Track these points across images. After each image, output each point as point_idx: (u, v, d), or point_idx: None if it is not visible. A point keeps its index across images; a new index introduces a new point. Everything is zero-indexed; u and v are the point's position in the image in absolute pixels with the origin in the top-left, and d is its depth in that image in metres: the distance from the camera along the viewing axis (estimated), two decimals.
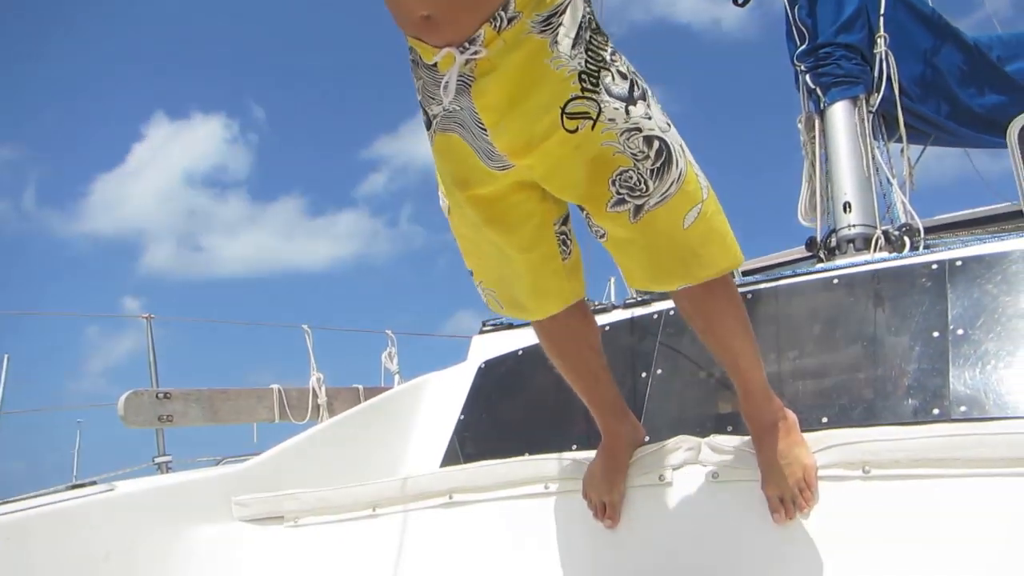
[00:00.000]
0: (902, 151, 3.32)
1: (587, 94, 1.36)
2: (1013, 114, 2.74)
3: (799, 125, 3.18)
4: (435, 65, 1.38)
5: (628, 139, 1.38)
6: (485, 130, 1.39)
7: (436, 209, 1.64)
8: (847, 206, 3.00)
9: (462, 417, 2.97)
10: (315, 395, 4.51)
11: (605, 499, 1.82)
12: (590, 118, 1.36)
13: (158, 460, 3.92)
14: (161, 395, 3.80)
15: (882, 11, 3.09)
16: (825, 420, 2.03)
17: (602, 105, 1.36)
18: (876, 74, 3.07)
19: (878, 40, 3.08)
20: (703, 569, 1.67)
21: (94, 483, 2.38)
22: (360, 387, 4.91)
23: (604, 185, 1.41)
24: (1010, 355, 1.94)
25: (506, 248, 1.55)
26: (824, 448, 1.62)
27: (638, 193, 1.40)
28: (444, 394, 3.17)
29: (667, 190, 1.41)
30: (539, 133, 1.37)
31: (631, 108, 1.39)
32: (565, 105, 1.35)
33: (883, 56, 3.06)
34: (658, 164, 1.40)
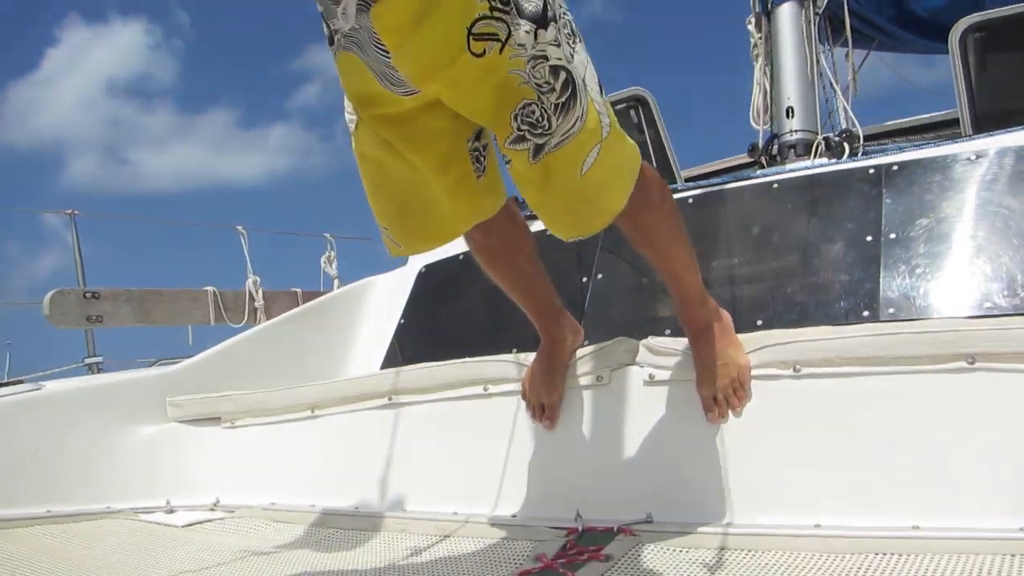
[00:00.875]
0: (846, 55, 3.31)
1: (496, 13, 1.24)
2: (955, 19, 2.74)
3: (749, 27, 3.12)
4: None
5: (534, 68, 1.28)
6: (387, 54, 1.27)
7: None
8: (790, 111, 2.99)
9: (402, 321, 2.96)
10: (252, 298, 4.45)
11: (544, 401, 1.83)
12: (498, 40, 1.24)
13: (88, 361, 3.85)
14: (89, 295, 3.68)
15: None
16: (760, 323, 2.07)
17: (512, 27, 1.25)
18: None
19: None
20: (639, 467, 1.71)
21: (20, 382, 2.33)
22: (298, 291, 4.86)
23: (506, 118, 1.30)
24: (938, 258, 1.99)
25: (416, 168, 1.44)
26: (757, 348, 1.65)
27: (540, 131, 1.30)
28: (384, 298, 3.15)
29: (570, 128, 1.32)
30: (444, 57, 1.26)
31: (540, 32, 1.27)
32: (472, 25, 1.23)
33: None
34: (563, 98, 1.30)
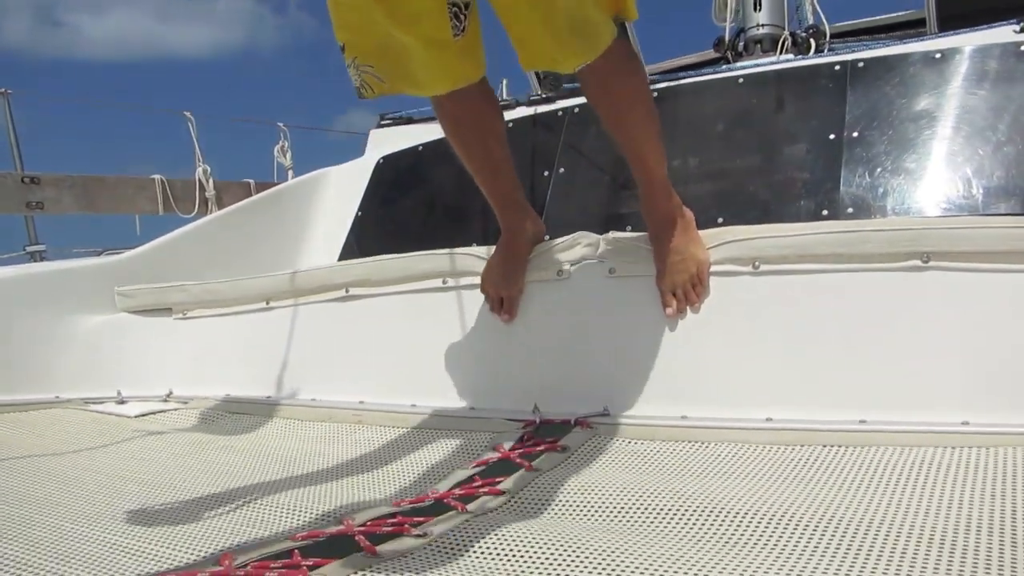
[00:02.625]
0: None
1: None
2: None
3: None
4: None
5: None
6: None
7: None
8: (757, 4, 2.94)
9: (359, 213, 2.90)
10: (202, 188, 4.32)
11: (503, 294, 1.82)
12: None
13: (30, 249, 3.71)
14: (28, 179, 3.52)
15: None
16: (721, 220, 2.06)
17: None
18: None
19: None
20: (597, 361, 1.72)
21: None
22: (251, 181, 4.73)
23: None
24: (899, 158, 1.99)
25: (391, 20, 1.40)
26: (718, 244, 1.65)
27: None
28: (340, 189, 3.07)
29: None
30: None
31: None
32: None
33: None
34: None
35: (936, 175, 1.94)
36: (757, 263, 1.60)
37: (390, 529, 1.07)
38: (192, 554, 1.04)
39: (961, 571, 0.82)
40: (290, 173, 5.15)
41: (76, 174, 3.73)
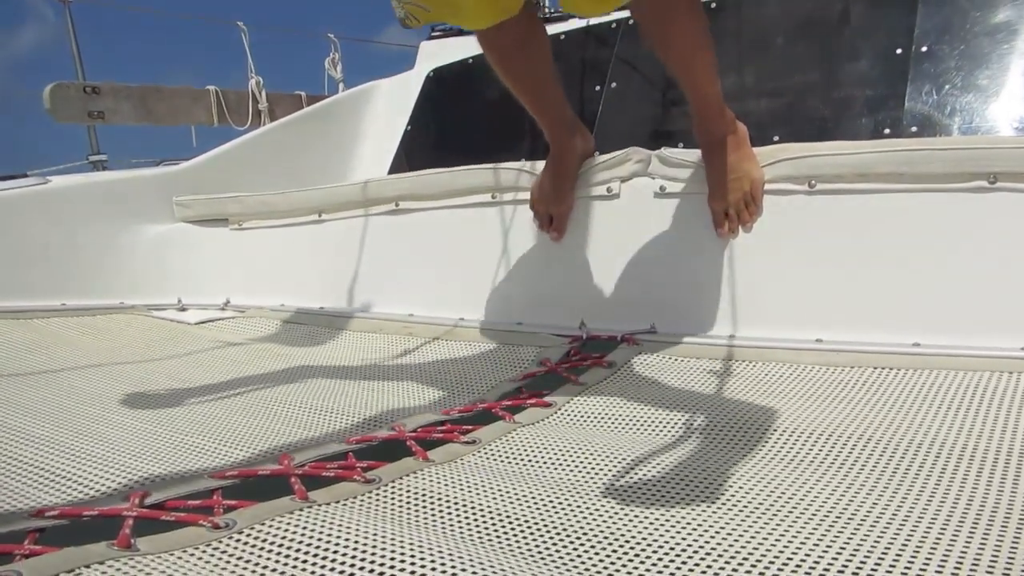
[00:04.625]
0: None
1: None
2: None
3: None
4: None
5: None
6: None
7: None
8: None
9: (409, 127, 2.90)
10: (255, 100, 4.34)
11: (553, 211, 1.82)
12: None
13: (92, 159, 3.80)
14: (89, 89, 3.58)
15: None
16: (776, 138, 2.02)
17: None
18: None
19: None
20: (645, 279, 1.72)
21: (25, 176, 2.31)
22: (302, 94, 4.73)
23: None
24: (970, 75, 1.91)
25: None
26: (772, 162, 1.61)
27: None
28: (390, 102, 3.07)
29: None
30: None
31: None
32: None
33: None
34: None
35: (1009, 93, 1.86)
36: (813, 182, 1.57)
37: (440, 435, 1.11)
38: (252, 453, 1.09)
39: (1013, 495, 0.82)
40: (340, 85, 5.13)
41: (133, 84, 3.78)
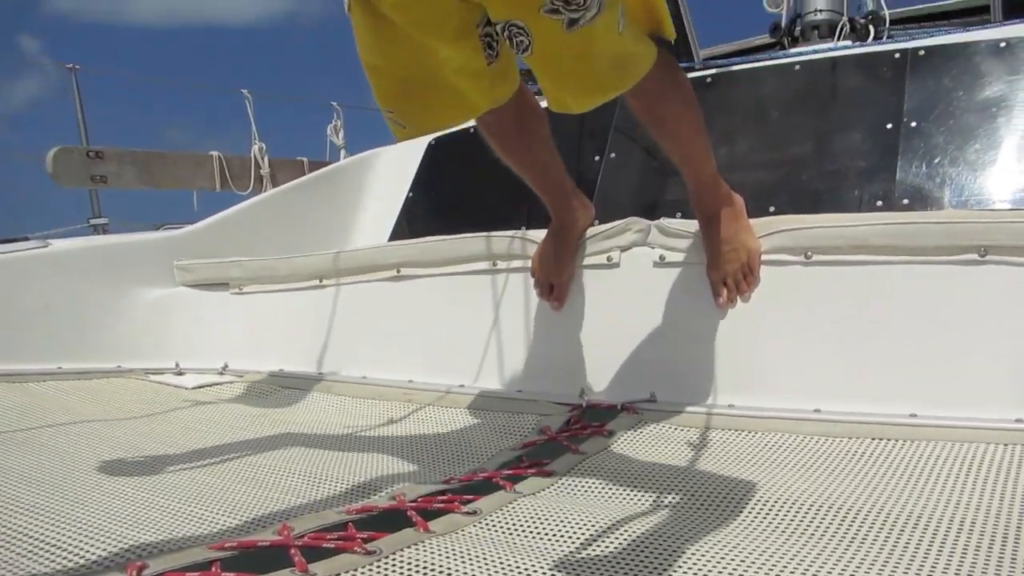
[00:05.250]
0: None
1: None
2: None
3: None
4: None
5: None
6: None
7: None
8: None
9: (411, 194, 2.94)
10: (258, 165, 4.40)
11: (553, 280, 1.84)
12: None
13: (94, 222, 3.84)
14: (93, 154, 3.63)
15: None
16: (772, 208, 2.04)
17: None
18: None
19: None
20: (645, 347, 1.73)
21: (27, 239, 2.33)
22: (305, 160, 4.80)
23: None
24: (958, 149, 1.96)
25: (422, 48, 1.35)
26: (769, 233, 1.64)
27: (574, 7, 1.22)
28: (392, 170, 3.11)
29: None
30: None
31: None
32: None
33: None
34: None
35: (996, 168, 1.90)
36: (809, 253, 1.59)
37: (441, 506, 1.10)
38: (250, 522, 1.08)
39: (1011, 571, 0.82)
40: (343, 152, 5.20)
41: (138, 149, 3.84)
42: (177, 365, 2.27)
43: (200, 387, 2.09)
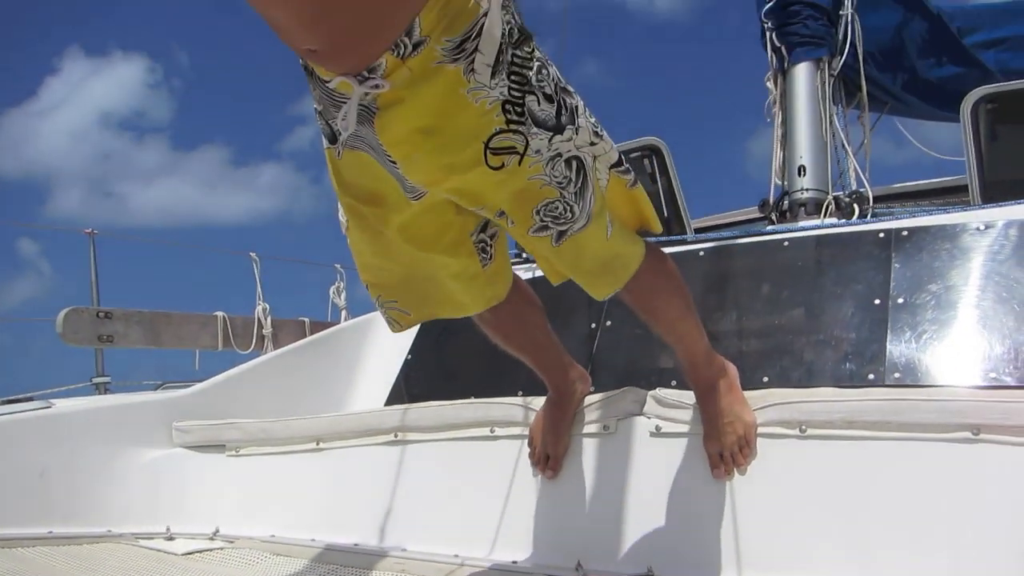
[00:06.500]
0: (859, 118, 3.36)
1: (512, 127, 1.21)
2: (967, 87, 2.78)
3: (768, 84, 3.17)
4: (331, 85, 1.20)
5: (552, 168, 1.27)
6: (395, 163, 1.25)
7: None
8: (801, 169, 3.04)
9: (409, 357, 2.97)
10: (260, 325, 4.48)
11: (549, 451, 1.84)
12: (517, 153, 1.22)
13: (96, 381, 3.87)
14: (102, 314, 3.73)
15: None
16: (766, 380, 2.08)
17: (529, 138, 1.23)
18: (840, 37, 3.08)
19: (845, 1, 3.09)
20: (642, 519, 1.71)
21: (31, 399, 2.34)
22: (306, 320, 4.89)
23: (527, 213, 1.30)
24: (945, 326, 2.01)
25: (420, 260, 1.44)
26: (763, 407, 1.67)
27: (563, 221, 1.31)
28: (392, 333, 3.16)
29: (589, 208, 1.33)
30: (459, 166, 1.23)
31: (556, 137, 1.26)
32: (489, 140, 1.20)
33: (849, 18, 3.07)
34: (579, 184, 1.31)
35: (983, 345, 1.94)
36: (804, 427, 1.61)
37: None
38: None
39: None
40: (344, 313, 5.30)
41: (145, 310, 3.93)
42: (168, 529, 2.23)
43: (189, 553, 2.04)
